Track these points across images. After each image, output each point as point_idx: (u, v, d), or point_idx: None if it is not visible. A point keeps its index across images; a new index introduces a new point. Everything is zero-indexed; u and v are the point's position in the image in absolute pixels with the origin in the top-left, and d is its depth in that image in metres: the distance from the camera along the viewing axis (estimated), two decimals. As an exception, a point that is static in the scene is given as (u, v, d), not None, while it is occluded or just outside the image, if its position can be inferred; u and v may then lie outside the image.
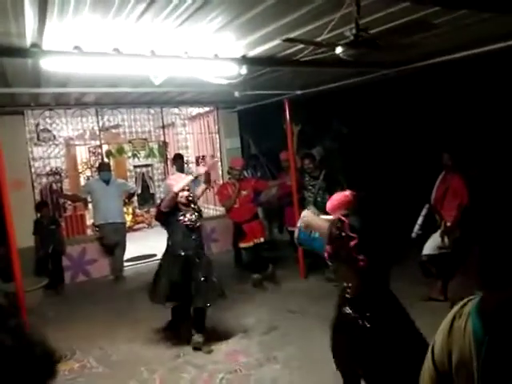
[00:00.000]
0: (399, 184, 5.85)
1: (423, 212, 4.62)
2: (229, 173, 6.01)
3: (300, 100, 6.08)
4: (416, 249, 4.62)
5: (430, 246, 4.52)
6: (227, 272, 5.95)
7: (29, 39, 2.86)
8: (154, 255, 7.79)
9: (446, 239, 4.41)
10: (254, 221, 5.79)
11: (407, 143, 5.89)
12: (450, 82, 5.10)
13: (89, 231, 7.28)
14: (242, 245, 5.80)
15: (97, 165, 7.09)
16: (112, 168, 7.22)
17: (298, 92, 5.76)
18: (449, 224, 4.43)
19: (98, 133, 7.17)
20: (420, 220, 4.60)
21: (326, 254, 2.56)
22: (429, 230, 4.59)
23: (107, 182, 6.38)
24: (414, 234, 4.58)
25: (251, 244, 5.68)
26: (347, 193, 2.64)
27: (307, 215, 2.76)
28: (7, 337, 0.52)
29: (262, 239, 5.77)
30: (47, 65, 3.24)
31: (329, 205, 2.67)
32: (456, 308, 0.95)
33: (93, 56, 3.23)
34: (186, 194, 4.04)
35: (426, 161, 5.21)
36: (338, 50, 2.45)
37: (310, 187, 5.75)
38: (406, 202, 5.07)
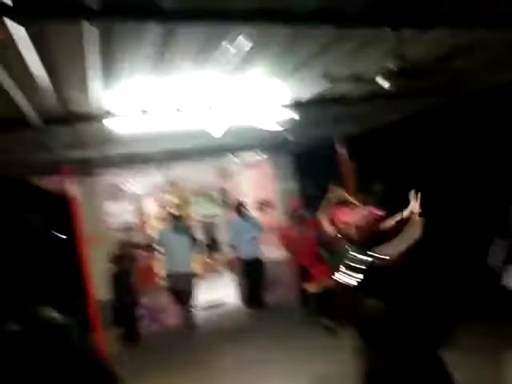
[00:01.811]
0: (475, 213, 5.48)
1: (502, 244, 4.25)
2: (291, 215, 6.01)
3: (355, 138, 6.08)
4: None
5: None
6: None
7: (100, 105, 3.22)
8: (223, 303, 7.86)
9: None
10: (321, 263, 5.64)
11: (469, 171, 5.59)
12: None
13: (159, 281, 7.55)
14: (311, 289, 5.63)
15: (165, 217, 7.48)
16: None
17: (352, 131, 5.79)
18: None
19: (164, 187, 7.64)
20: (501, 254, 4.22)
21: None
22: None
23: (178, 231, 6.64)
24: (497, 269, 4.19)
25: (321, 288, 5.49)
26: None
27: None
28: None
29: (330, 281, 5.56)
30: (118, 127, 3.60)
31: None
32: None
33: (156, 116, 3.54)
34: None
35: (489, 190, 4.88)
36: (383, 81, 2.48)
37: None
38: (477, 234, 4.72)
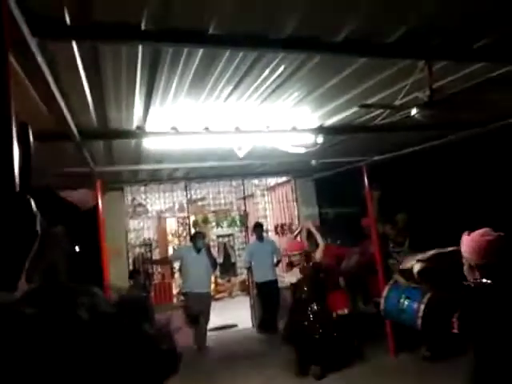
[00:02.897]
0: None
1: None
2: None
3: (379, 165, 6.09)
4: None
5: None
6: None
7: (135, 123, 3.36)
8: (235, 325, 7.80)
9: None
10: (336, 291, 5.61)
11: (495, 204, 5.51)
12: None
13: (174, 300, 7.57)
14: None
15: (184, 234, 7.55)
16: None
17: (376, 158, 5.81)
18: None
19: (185, 205, 7.75)
20: None
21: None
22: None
23: (199, 250, 6.56)
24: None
25: (334, 316, 5.44)
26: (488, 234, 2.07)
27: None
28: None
29: (345, 310, 5.51)
30: (148, 144, 3.73)
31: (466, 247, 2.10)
32: None
33: (186, 135, 3.66)
34: None
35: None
36: (414, 111, 2.53)
37: (395, 254, 5.53)
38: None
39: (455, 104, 2.46)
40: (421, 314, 4.54)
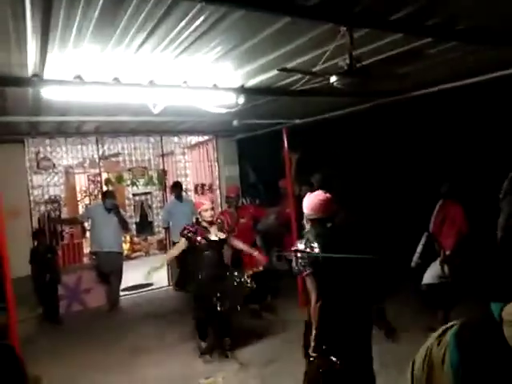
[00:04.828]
0: (398, 212, 5.83)
1: (422, 240, 4.58)
2: (226, 201, 6.01)
3: (299, 128, 6.15)
4: (416, 278, 4.56)
5: (430, 275, 4.46)
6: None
7: (30, 69, 2.92)
8: (151, 284, 7.69)
9: (445, 268, 4.35)
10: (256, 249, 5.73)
11: (405, 171, 5.92)
12: (448, 110, 5.17)
13: (85, 259, 7.21)
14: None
15: (96, 193, 7.10)
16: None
17: (297, 121, 5.85)
18: (448, 252, 4.39)
19: (97, 161, 7.22)
20: (419, 249, 4.56)
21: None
22: (428, 258, 4.54)
23: (109, 210, 6.35)
24: (413, 263, 4.52)
25: (250, 273, 5.60)
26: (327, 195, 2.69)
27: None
28: None
29: (260, 268, 5.69)
30: (48, 94, 3.30)
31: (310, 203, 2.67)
32: (436, 334, 0.92)
33: (93, 85, 3.29)
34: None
35: (424, 188, 5.22)
36: (333, 78, 2.50)
37: (309, 215, 5.73)
38: (405, 230, 5.04)
39: (372, 74, 2.48)
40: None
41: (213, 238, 4.42)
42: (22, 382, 0.88)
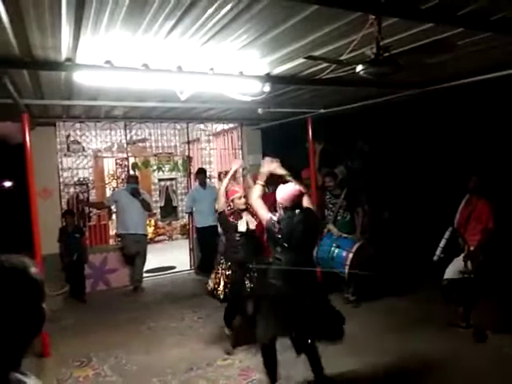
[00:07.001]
0: (422, 205, 5.75)
1: (446, 235, 4.51)
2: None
3: (323, 119, 6.11)
4: (438, 272, 4.51)
5: (452, 270, 4.40)
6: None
7: (64, 53, 3.02)
8: (174, 267, 7.89)
9: (469, 264, 4.29)
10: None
11: (432, 164, 5.81)
12: (479, 103, 5.03)
13: (111, 241, 7.44)
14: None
15: (123, 176, 7.27)
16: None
17: (322, 111, 5.81)
18: (472, 248, 4.31)
19: (125, 146, 7.39)
20: (442, 243, 4.49)
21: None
22: (451, 253, 4.48)
23: (132, 193, 6.51)
24: (435, 257, 4.46)
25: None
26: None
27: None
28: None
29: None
30: (80, 78, 3.40)
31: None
32: None
33: (123, 70, 3.37)
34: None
35: (451, 183, 5.12)
36: (359, 67, 2.47)
37: (331, 205, 5.72)
38: (429, 223, 4.97)
39: (400, 64, 2.44)
40: (348, 262, 4.85)
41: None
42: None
